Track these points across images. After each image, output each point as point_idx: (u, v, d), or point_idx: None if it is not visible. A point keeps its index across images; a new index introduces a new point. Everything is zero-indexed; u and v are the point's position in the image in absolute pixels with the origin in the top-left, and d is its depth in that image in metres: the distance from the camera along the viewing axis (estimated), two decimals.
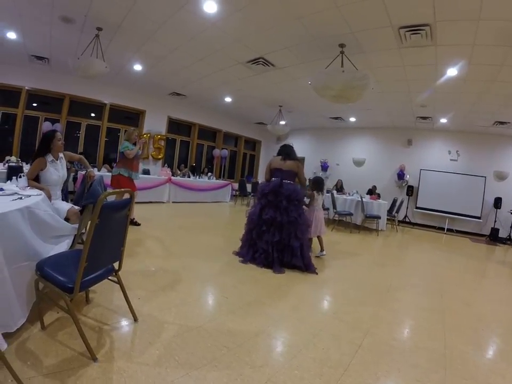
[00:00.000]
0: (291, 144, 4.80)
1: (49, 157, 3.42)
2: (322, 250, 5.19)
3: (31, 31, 6.30)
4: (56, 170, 3.48)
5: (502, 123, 9.02)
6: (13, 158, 7.02)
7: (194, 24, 5.41)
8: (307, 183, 5.52)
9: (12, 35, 6.48)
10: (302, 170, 4.59)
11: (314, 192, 5.15)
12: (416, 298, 3.73)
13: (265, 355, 2.16)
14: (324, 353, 2.23)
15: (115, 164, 5.84)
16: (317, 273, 4.14)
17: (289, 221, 4.17)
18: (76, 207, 3.25)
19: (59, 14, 5.40)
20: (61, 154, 3.61)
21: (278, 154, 4.67)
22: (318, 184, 5.25)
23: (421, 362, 2.23)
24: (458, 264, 6.14)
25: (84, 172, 3.77)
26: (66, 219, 2.98)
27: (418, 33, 4.80)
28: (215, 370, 1.90)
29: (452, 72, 6.03)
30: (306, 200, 5.07)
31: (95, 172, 4.25)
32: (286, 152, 4.59)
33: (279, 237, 4.16)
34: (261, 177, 14.03)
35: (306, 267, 4.19)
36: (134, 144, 5.54)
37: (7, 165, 6.28)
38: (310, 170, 13.50)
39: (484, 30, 4.47)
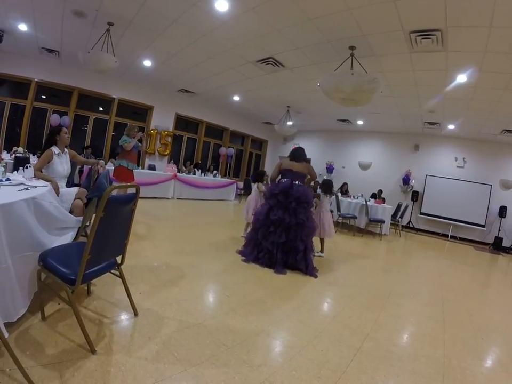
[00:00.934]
0: (302, 147, 4.82)
1: (56, 149, 3.51)
2: (322, 251, 5.25)
3: (42, 24, 6.34)
4: (61, 163, 3.56)
5: (510, 131, 8.96)
6: (20, 149, 7.07)
7: (205, 22, 5.42)
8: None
9: (23, 27, 6.52)
10: (313, 170, 4.65)
11: (321, 193, 5.23)
12: (418, 305, 3.71)
13: (264, 355, 2.16)
14: (323, 355, 2.23)
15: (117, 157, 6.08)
16: (316, 277, 4.13)
17: (297, 223, 4.17)
18: (83, 189, 3.35)
19: (71, 8, 5.44)
20: (66, 149, 3.68)
21: (289, 155, 4.71)
22: (327, 186, 5.35)
23: (420, 369, 2.22)
24: (461, 272, 6.10)
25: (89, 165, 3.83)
26: (70, 211, 3.01)
27: (429, 38, 4.77)
28: (213, 367, 1.91)
29: (462, 78, 5.99)
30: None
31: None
32: (295, 153, 4.63)
33: (285, 238, 4.15)
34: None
35: (308, 270, 4.18)
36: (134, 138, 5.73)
37: (14, 155, 6.32)
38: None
39: (495, 37, 4.44)
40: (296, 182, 4.38)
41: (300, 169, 4.49)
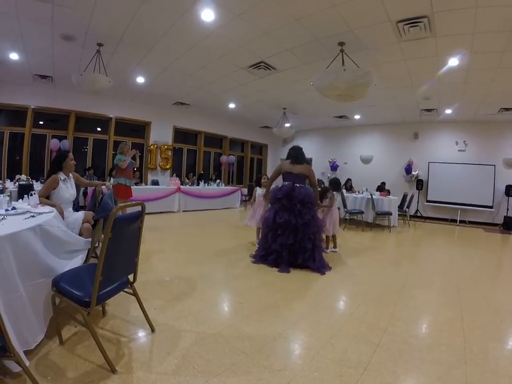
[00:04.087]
0: (299, 146, 4.84)
1: (62, 175, 3.54)
2: (335, 247, 5.43)
3: (33, 51, 6.41)
4: (67, 188, 3.58)
5: (507, 109, 8.92)
6: (23, 177, 7.12)
7: (194, 33, 5.46)
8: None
9: (14, 56, 6.61)
10: (312, 173, 4.68)
11: (334, 192, 5.40)
12: (432, 295, 3.69)
13: (284, 358, 2.16)
14: (343, 353, 2.22)
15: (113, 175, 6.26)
16: (324, 273, 4.17)
17: (304, 223, 4.26)
18: (89, 212, 3.37)
19: (60, 32, 5.50)
20: (70, 174, 3.71)
21: (287, 157, 4.73)
22: (336, 184, 5.60)
23: (441, 358, 2.20)
24: (473, 256, 6.06)
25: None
26: (80, 235, 3.03)
27: (417, 26, 4.78)
28: (234, 376, 1.90)
29: (453, 62, 5.98)
30: (325, 201, 5.31)
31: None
32: (294, 155, 4.66)
33: (293, 239, 4.24)
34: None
35: (315, 265, 4.24)
36: None
37: (17, 183, 6.38)
38: (318, 171, 13.48)
39: (482, 17, 4.43)
40: (297, 184, 4.45)
41: (300, 171, 4.53)
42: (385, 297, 3.47)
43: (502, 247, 7.45)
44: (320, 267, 4.25)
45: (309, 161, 4.79)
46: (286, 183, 4.54)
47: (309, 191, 4.48)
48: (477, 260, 5.81)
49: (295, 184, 4.44)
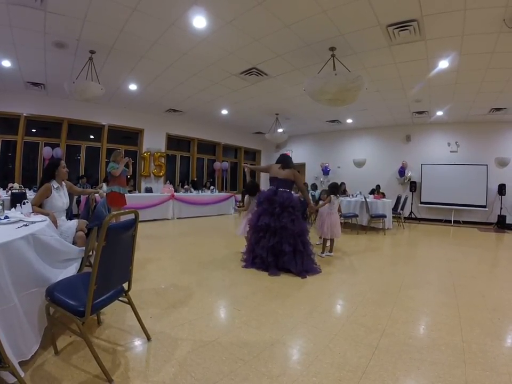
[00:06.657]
0: (289, 154, 4.90)
1: (54, 184, 3.52)
2: (330, 251, 5.46)
3: (25, 59, 6.39)
4: (60, 197, 3.56)
5: (498, 109, 9.03)
6: (16, 185, 7.05)
7: (185, 40, 5.48)
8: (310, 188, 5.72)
9: (6, 63, 6.58)
10: (299, 178, 4.78)
11: (332, 196, 5.45)
12: (430, 295, 3.69)
13: (282, 364, 2.13)
14: (341, 357, 2.21)
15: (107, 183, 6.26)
16: (305, 277, 4.15)
17: (281, 227, 4.31)
18: (83, 221, 3.36)
19: (52, 40, 5.49)
20: (63, 182, 3.69)
21: (277, 162, 4.84)
22: (334, 188, 5.59)
23: (440, 358, 2.20)
24: (468, 255, 6.07)
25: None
26: (74, 243, 3.01)
27: (407, 29, 4.83)
28: (232, 383, 1.88)
29: (443, 64, 6.06)
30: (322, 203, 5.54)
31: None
32: (284, 161, 4.79)
33: (273, 242, 4.31)
34: (263, 187, 14.01)
35: (299, 272, 4.21)
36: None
37: (10, 192, 6.31)
38: (311, 176, 13.55)
39: (471, 19, 4.50)
40: (281, 189, 4.54)
41: (286, 176, 4.62)
42: (383, 299, 3.46)
43: (497, 245, 7.50)
44: (302, 271, 4.22)
45: (296, 168, 4.85)
46: (271, 187, 4.64)
47: (291, 196, 4.56)
48: (473, 258, 5.84)
49: (279, 189, 4.53)
